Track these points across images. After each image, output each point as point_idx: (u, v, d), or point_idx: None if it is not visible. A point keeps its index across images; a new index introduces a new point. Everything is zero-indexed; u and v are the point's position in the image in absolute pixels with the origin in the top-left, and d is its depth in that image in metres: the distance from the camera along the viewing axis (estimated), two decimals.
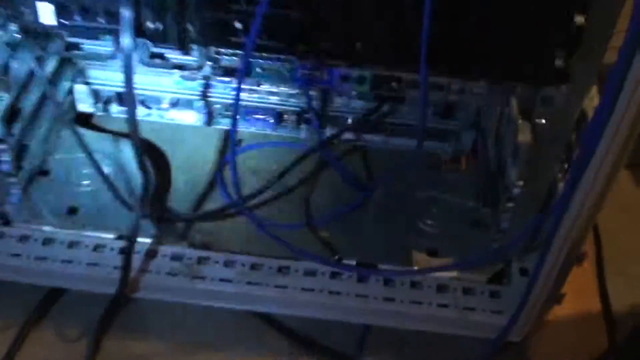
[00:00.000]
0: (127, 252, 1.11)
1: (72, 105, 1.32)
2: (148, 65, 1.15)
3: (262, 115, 1.32)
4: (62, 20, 0.95)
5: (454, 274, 1.17)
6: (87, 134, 1.29)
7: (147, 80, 1.28)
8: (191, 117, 1.34)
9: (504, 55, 0.92)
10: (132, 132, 0.99)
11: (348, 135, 1.33)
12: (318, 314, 1.16)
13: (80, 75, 1.29)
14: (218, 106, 1.31)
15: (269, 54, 0.96)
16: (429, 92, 1.15)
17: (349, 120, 1.30)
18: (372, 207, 1.27)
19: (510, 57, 0.92)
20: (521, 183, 1.07)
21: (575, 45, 0.88)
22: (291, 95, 1.29)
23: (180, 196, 1.29)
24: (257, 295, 1.14)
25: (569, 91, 0.95)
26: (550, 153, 1.02)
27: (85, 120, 1.37)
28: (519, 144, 1.00)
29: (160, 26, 0.94)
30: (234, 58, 1.17)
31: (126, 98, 0.96)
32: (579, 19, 0.86)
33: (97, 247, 1.16)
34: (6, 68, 1.09)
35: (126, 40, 0.92)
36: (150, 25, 0.94)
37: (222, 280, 1.14)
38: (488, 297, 1.15)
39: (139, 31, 0.95)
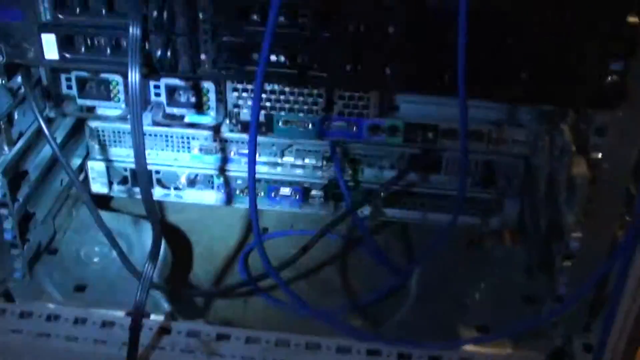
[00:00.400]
0: (133, 325, 0.99)
1: (85, 183, 1.24)
2: (161, 124, 1.10)
3: (287, 191, 1.23)
4: (65, 54, 0.89)
5: (507, 350, 1.04)
6: (103, 214, 1.19)
7: (163, 156, 1.22)
8: (210, 197, 1.25)
9: (547, 73, 0.84)
10: (140, 171, 0.90)
11: (381, 212, 1.24)
12: None
13: (94, 152, 1.23)
14: (239, 182, 1.23)
15: (288, 82, 0.88)
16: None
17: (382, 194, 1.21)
18: (411, 285, 1.16)
19: (555, 74, 0.84)
20: (579, 234, 0.95)
21: (630, 52, 0.79)
22: (317, 168, 1.21)
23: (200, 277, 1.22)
24: None
25: (625, 117, 0.85)
26: (609, 198, 0.92)
27: (103, 202, 1.30)
28: (574, 178, 0.90)
29: (169, 54, 0.87)
30: None
31: (134, 140, 0.87)
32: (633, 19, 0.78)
33: (105, 324, 1.05)
34: (10, 118, 1.02)
35: (134, 74, 0.84)
36: (158, 53, 0.87)
37: (244, 358, 1.02)
38: None
39: (148, 65, 0.89)
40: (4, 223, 1.04)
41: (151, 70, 0.90)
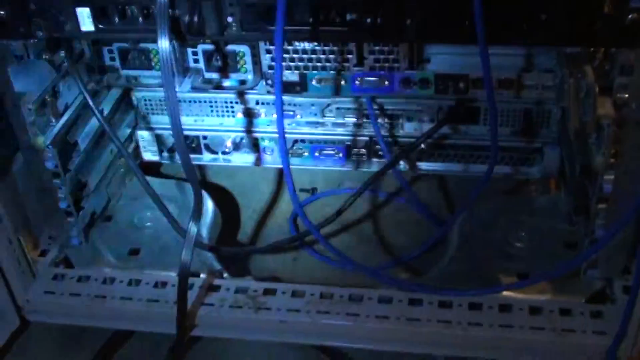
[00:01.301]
0: (181, 282, 1.03)
1: (135, 152, 1.30)
2: (200, 89, 1.14)
3: (330, 150, 1.25)
4: (100, 25, 0.93)
5: (547, 296, 1.05)
6: (153, 181, 1.23)
7: (209, 122, 1.26)
8: (256, 159, 1.29)
9: (567, 12, 0.83)
10: (176, 138, 0.94)
11: (423, 165, 1.25)
12: (395, 347, 1.05)
13: (143, 121, 1.28)
14: None
15: (310, 38, 0.90)
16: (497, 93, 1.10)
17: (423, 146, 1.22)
18: (453, 234, 1.17)
19: (574, 14, 0.83)
20: (611, 176, 0.95)
21: None
22: (357, 126, 1.22)
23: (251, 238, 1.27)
24: (327, 325, 1.04)
25: None
26: (638, 137, 0.91)
27: (153, 169, 1.36)
28: (600, 118, 0.90)
29: (196, 19, 0.90)
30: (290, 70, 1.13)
31: (167, 103, 0.91)
32: None
33: (158, 284, 1.10)
34: (55, 91, 1.07)
35: (163, 40, 0.87)
36: (186, 18, 0.90)
37: (289, 310, 1.06)
38: (589, 317, 1.03)
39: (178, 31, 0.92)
40: (58, 193, 1.09)
41: (181, 36, 0.93)
